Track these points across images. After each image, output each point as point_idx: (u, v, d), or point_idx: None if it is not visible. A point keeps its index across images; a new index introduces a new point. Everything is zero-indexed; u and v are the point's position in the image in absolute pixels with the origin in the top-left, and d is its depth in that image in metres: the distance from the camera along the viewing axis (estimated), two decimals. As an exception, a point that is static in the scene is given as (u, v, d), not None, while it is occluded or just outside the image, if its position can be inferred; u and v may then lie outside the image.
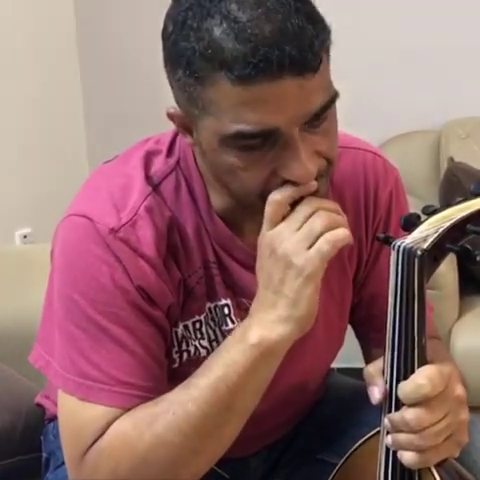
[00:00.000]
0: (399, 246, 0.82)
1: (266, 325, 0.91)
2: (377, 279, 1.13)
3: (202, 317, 1.04)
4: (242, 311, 1.04)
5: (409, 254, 0.81)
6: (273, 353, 0.92)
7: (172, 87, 0.93)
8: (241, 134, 0.87)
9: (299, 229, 0.91)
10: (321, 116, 0.90)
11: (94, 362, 0.96)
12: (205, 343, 1.05)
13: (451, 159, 2.50)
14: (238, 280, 1.05)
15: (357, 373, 1.40)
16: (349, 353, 1.27)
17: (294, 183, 0.91)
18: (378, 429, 0.92)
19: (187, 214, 1.02)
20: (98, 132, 3.09)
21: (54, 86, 2.92)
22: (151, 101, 2.99)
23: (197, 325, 1.04)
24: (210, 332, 1.05)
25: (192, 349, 1.04)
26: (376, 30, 2.76)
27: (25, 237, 2.77)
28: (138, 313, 0.97)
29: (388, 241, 0.84)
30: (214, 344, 1.05)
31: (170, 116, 0.97)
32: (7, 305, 1.79)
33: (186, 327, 1.04)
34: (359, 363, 1.09)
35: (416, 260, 0.80)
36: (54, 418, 1.27)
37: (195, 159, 1.02)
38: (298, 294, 0.90)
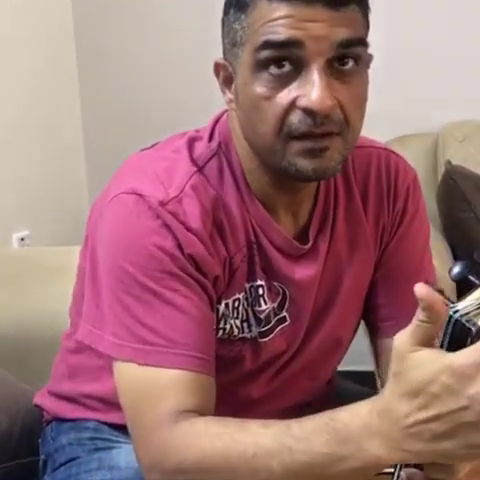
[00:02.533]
0: (451, 316, 0.74)
1: (394, 448, 0.78)
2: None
3: (241, 296, 1.07)
4: (273, 294, 1.09)
5: (462, 330, 0.73)
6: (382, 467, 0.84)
7: (224, 39, 1.02)
8: (268, 42, 0.95)
9: None
10: (346, 53, 0.96)
11: (150, 326, 0.97)
12: (238, 323, 1.07)
13: (448, 162, 2.50)
14: (272, 263, 1.08)
15: (359, 376, 1.40)
16: (351, 356, 1.28)
17: (310, 113, 0.95)
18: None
19: (231, 195, 1.06)
20: (96, 134, 3.09)
21: (52, 86, 2.92)
22: (150, 101, 3.00)
23: (236, 303, 1.07)
24: (243, 312, 1.08)
25: (227, 327, 1.07)
26: (375, 31, 2.76)
27: (23, 240, 2.77)
28: (189, 279, 0.99)
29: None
30: (244, 324, 1.08)
31: (216, 67, 1.04)
32: (4, 308, 1.79)
33: (227, 305, 1.06)
34: (363, 366, 1.09)
35: (469, 339, 0.73)
36: (52, 420, 1.27)
37: (234, 144, 1.07)
38: (459, 456, 0.76)
